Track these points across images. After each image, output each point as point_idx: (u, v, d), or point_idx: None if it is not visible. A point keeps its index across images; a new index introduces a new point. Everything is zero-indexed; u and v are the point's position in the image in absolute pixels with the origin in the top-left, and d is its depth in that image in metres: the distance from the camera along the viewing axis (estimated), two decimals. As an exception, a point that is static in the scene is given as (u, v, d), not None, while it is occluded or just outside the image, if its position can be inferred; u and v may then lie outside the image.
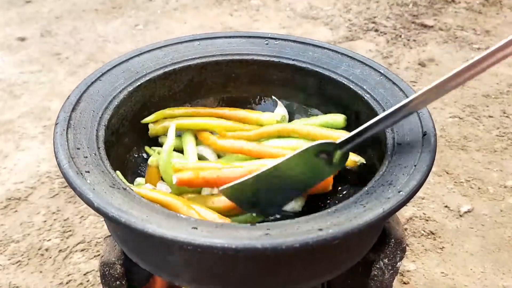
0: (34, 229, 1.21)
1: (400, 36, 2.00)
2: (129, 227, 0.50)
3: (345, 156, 0.63)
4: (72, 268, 1.12)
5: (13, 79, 1.76)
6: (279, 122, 0.78)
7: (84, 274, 1.11)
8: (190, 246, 0.48)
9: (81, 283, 1.09)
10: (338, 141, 0.62)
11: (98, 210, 0.52)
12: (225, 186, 0.62)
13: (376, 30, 2.04)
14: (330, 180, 0.69)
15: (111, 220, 0.52)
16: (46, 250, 1.16)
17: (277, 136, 0.77)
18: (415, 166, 0.59)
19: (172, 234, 0.49)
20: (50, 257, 1.15)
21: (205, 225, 0.51)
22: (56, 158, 0.59)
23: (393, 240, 0.69)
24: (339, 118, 0.76)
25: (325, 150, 0.62)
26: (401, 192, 0.55)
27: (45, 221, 1.23)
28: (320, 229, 0.50)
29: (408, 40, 1.97)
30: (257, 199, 0.64)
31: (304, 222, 0.52)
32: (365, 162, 0.72)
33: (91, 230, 1.21)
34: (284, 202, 0.67)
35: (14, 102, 1.65)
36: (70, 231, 1.21)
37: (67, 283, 1.09)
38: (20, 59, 1.88)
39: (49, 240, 1.19)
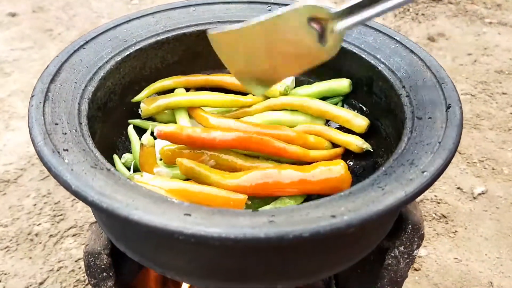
0: (23, 213, 1.15)
1: (408, 10, 1.91)
2: (112, 213, 0.44)
3: (340, 37, 0.54)
4: (63, 254, 1.06)
5: (3, 56, 1.68)
6: (283, 93, 0.70)
7: (76, 261, 1.04)
8: (182, 235, 0.41)
9: (72, 270, 1.03)
10: (333, 10, 0.53)
11: (76, 194, 0.45)
12: (214, 31, 0.55)
13: (383, 4, 1.95)
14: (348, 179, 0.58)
15: (91, 206, 0.45)
16: (36, 235, 1.10)
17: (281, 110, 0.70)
18: (439, 143, 0.52)
19: (161, 221, 0.42)
20: (40, 243, 1.08)
21: (200, 211, 0.44)
22: (30, 134, 0.52)
23: (410, 226, 0.62)
24: (344, 83, 0.70)
25: (318, 17, 0.53)
26: (425, 173, 0.48)
27: (35, 205, 1.17)
28: (333, 216, 0.43)
29: (417, 14, 1.88)
30: (247, 62, 0.57)
31: (314, 207, 0.45)
32: (371, 149, 0.65)
33: (83, 214, 1.14)
34: (276, 78, 0.60)
35: (4, 80, 1.58)
36: (61, 215, 1.14)
37: (57, 270, 1.03)
38: (11, 35, 1.80)
39: (39, 224, 1.12)
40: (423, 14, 1.88)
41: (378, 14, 0.52)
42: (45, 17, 1.91)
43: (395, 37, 0.69)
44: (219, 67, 0.77)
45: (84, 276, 1.02)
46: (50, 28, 1.84)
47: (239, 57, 0.58)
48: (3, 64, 1.65)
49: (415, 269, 1.03)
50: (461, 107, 0.56)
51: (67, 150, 0.50)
